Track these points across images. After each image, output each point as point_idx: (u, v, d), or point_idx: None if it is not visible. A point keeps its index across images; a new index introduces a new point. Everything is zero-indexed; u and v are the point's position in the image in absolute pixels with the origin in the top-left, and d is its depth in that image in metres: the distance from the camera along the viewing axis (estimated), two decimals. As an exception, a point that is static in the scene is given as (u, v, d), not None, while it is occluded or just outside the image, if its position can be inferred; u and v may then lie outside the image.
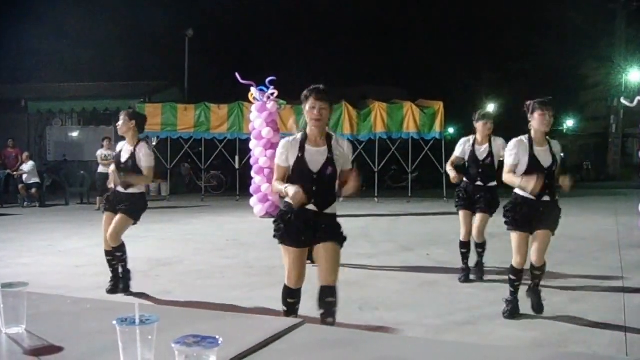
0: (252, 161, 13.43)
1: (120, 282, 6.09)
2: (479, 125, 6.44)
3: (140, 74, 23.74)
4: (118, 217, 5.88)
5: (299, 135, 4.07)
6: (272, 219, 4.20)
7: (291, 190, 3.82)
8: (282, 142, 4.09)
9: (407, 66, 34.70)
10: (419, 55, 33.60)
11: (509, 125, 9.29)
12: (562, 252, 7.88)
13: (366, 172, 18.65)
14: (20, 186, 15.95)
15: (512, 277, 5.16)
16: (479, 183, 6.44)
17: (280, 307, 4.17)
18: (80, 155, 21.39)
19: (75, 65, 25.67)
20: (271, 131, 13.06)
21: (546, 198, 4.94)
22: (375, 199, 16.47)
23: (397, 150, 17.44)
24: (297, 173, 4.00)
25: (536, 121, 4.94)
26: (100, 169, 14.62)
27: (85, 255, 8.27)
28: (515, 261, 5.08)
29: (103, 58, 27.27)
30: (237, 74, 12.92)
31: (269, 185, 12.89)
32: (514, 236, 5.06)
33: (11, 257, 8.21)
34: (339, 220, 4.13)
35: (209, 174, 20.18)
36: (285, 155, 4.03)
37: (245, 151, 15.62)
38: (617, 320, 4.94)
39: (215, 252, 8.71)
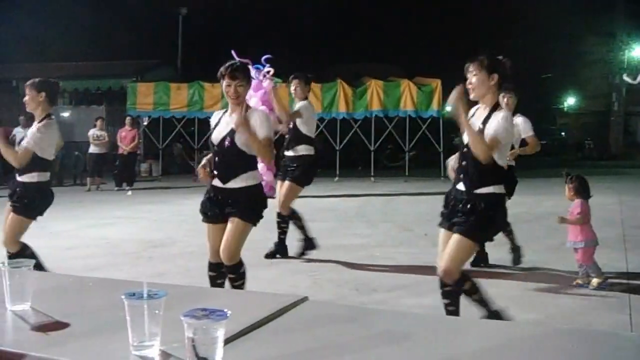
0: (246, 140, 13.33)
1: None
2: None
3: (133, 53, 23.53)
4: None
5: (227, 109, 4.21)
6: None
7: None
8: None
9: (404, 43, 34.35)
10: (416, 31, 33.27)
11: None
12: (565, 231, 7.90)
13: (361, 151, 18.55)
14: None
15: None
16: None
17: (278, 287, 4.17)
18: (71, 136, 21.22)
19: (66, 45, 25.37)
20: (266, 110, 13.00)
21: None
22: (372, 179, 16.37)
23: (393, 129, 17.31)
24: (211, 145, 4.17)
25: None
26: (92, 149, 14.56)
27: (76, 237, 8.20)
28: None
29: (95, 37, 26.97)
30: (233, 52, 12.77)
31: (262, 165, 12.81)
32: None
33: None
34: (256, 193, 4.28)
35: (202, 154, 20.10)
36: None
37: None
38: (622, 301, 4.87)
39: (210, 233, 8.61)
